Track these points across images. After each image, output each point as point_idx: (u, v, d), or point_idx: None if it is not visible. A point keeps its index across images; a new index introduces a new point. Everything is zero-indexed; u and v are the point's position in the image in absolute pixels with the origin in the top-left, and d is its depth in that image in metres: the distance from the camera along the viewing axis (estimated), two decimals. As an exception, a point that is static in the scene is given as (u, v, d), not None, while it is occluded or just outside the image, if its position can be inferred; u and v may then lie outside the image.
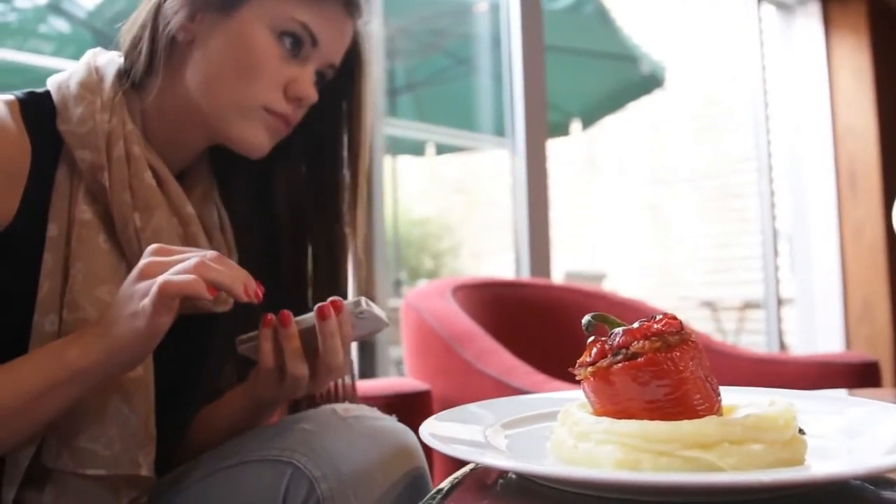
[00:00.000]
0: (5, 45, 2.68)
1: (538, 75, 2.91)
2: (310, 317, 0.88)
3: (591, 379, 0.62)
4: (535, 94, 2.90)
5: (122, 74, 0.92)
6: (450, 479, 0.68)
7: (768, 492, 0.55)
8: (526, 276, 2.80)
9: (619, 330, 0.62)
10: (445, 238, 8.76)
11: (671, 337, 0.60)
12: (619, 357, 0.60)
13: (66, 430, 0.84)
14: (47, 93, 0.90)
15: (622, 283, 6.93)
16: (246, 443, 0.92)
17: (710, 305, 6.12)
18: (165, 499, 0.94)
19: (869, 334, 3.89)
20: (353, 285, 1.06)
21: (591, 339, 0.64)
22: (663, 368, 0.59)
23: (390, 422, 0.92)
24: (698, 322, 5.76)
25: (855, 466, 0.57)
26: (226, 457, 0.92)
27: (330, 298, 0.87)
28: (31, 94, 0.90)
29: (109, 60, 0.93)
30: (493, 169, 6.59)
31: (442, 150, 5.46)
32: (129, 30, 0.93)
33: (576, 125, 5.24)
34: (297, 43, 0.92)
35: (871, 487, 0.59)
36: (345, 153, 1.03)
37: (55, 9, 3.13)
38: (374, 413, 0.92)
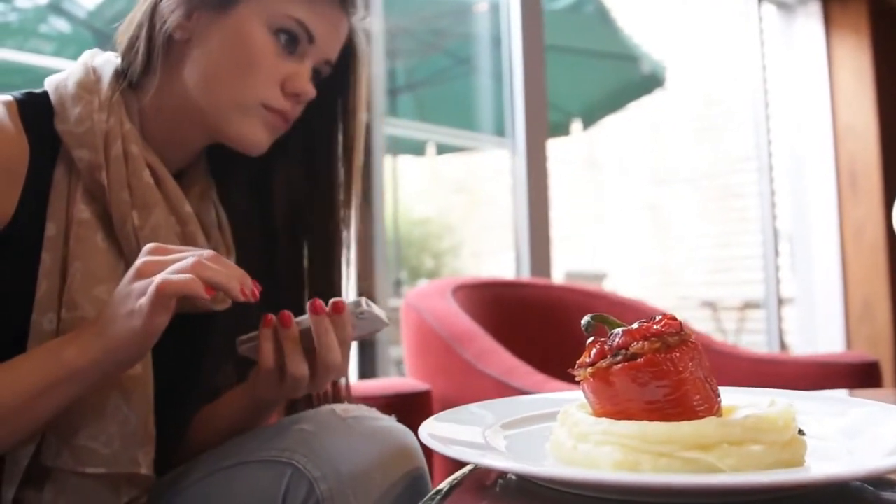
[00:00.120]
0: (6, 45, 2.68)
1: (538, 75, 2.91)
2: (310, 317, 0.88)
3: (591, 380, 0.62)
4: (536, 94, 2.90)
5: (120, 74, 0.92)
6: (449, 479, 0.68)
7: (768, 493, 0.55)
8: (526, 275, 2.80)
9: (618, 331, 0.62)
10: (446, 238, 8.76)
11: (671, 338, 0.60)
12: (619, 358, 0.60)
13: (65, 429, 0.84)
14: (45, 93, 0.90)
15: (623, 283, 6.93)
16: (245, 443, 0.92)
17: (711, 305, 6.11)
18: (165, 499, 0.94)
19: (869, 334, 3.89)
20: (348, 282, 1.06)
21: (591, 339, 0.64)
22: (663, 369, 0.59)
23: (390, 422, 0.92)
24: (699, 322, 5.76)
25: (855, 468, 0.57)
26: (225, 457, 0.92)
27: (332, 300, 0.88)
28: (29, 94, 0.90)
29: (106, 61, 0.93)
30: (494, 169, 6.58)
31: (442, 149, 5.46)
32: (125, 30, 0.93)
33: (576, 125, 5.23)
34: (293, 40, 0.92)
35: (871, 488, 0.59)
36: (340, 150, 1.03)
37: (56, 9, 3.13)
38: (373, 413, 0.92)
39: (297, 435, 0.88)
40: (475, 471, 0.70)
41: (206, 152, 1.01)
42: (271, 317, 0.88)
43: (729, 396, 0.64)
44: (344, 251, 1.05)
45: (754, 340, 5.26)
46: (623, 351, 0.60)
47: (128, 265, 0.86)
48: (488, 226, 7.61)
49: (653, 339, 0.60)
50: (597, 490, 0.57)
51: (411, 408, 1.54)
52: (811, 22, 4.08)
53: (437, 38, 4.43)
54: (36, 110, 0.88)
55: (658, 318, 0.62)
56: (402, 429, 0.91)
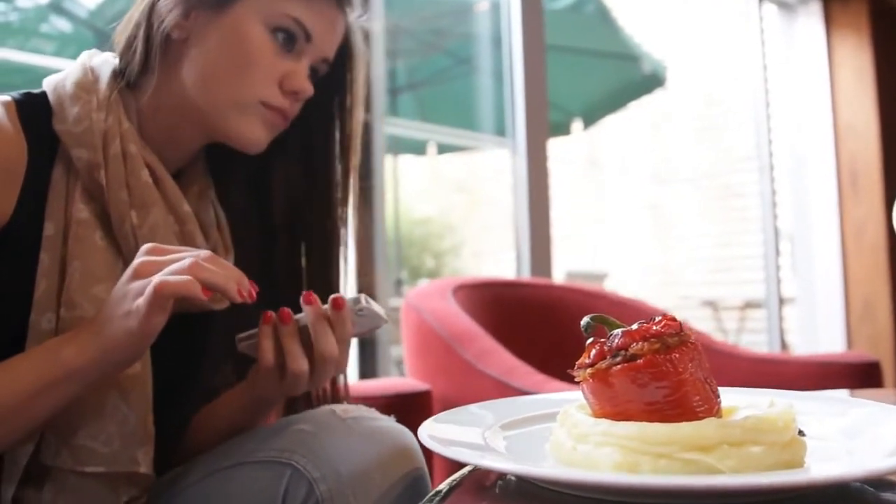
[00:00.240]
0: (7, 44, 2.68)
1: (539, 75, 2.91)
2: None
3: (590, 380, 0.62)
4: (536, 94, 2.90)
5: (118, 74, 0.92)
6: (448, 480, 0.67)
7: (767, 494, 0.55)
8: (527, 275, 2.80)
9: (617, 331, 0.62)
10: (447, 237, 8.77)
11: (670, 338, 0.60)
12: (618, 359, 0.60)
13: (64, 428, 0.84)
14: (43, 93, 0.90)
15: (623, 283, 6.92)
16: (244, 443, 0.92)
17: (712, 305, 6.12)
18: (163, 499, 0.94)
19: (870, 333, 3.88)
20: (346, 280, 1.06)
21: (590, 340, 0.64)
22: (662, 370, 0.59)
23: (389, 422, 0.92)
24: (699, 321, 5.76)
25: (855, 469, 0.56)
26: (224, 457, 0.92)
27: (332, 296, 0.88)
28: (27, 94, 0.90)
29: (104, 61, 0.93)
30: (495, 168, 6.58)
31: (443, 149, 5.46)
32: (123, 30, 0.93)
33: (577, 124, 5.23)
34: (290, 38, 0.92)
35: (871, 489, 0.59)
36: (337, 148, 1.04)
37: (57, 8, 3.13)
38: (372, 414, 0.92)
39: (297, 435, 0.88)
40: (475, 472, 0.69)
41: (205, 152, 1.01)
42: (271, 314, 0.88)
43: (729, 397, 0.64)
44: (341, 249, 1.05)
45: (755, 340, 5.26)
46: (622, 352, 0.60)
47: (126, 264, 0.86)
48: (489, 225, 7.61)
49: (652, 339, 0.60)
50: (596, 491, 0.57)
51: (411, 408, 1.54)
52: (812, 21, 4.08)
53: (437, 37, 4.43)
54: (34, 110, 0.88)
55: (658, 318, 0.62)
56: (402, 429, 0.91)
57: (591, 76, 5.03)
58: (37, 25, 3.10)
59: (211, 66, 0.91)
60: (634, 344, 0.60)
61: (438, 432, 0.67)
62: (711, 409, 0.60)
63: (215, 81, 0.91)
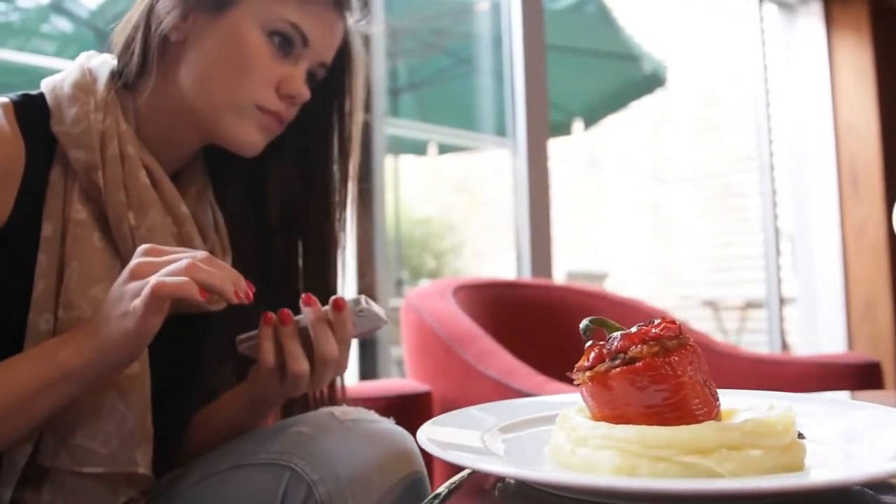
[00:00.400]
0: (8, 44, 2.68)
1: (540, 75, 2.91)
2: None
3: (589, 383, 0.61)
4: (537, 94, 2.90)
5: (116, 75, 0.92)
6: (447, 483, 0.67)
7: (767, 498, 0.55)
8: (527, 275, 2.80)
9: (616, 334, 0.62)
10: (447, 237, 8.76)
11: (669, 341, 0.60)
12: (617, 362, 0.60)
13: (62, 429, 0.84)
14: (41, 95, 0.90)
15: (624, 283, 6.92)
16: (243, 446, 0.92)
17: (712, 305, 6.11)
18: (162, 501, 0.94)
19: (871, 333, 3.88)
20: (343, 284, 1.06)
21: (589, 343, 0.64)
22: (661, 373, 0.58)
23: (388, 425, 0.92)
24: (700, 321, 5.75)
25: (854, 473, 0.56)
26: (223, 459, 0.92)
27: (332, 297, 0.88)
28: (25, 96, 0.90)
29: (102, 62, 0.94)
30: (495, 168, 6.58)
31: (444, 149, 5.46)
32: (121, 31, 0.94)
33: (578, 124, 5.23)
34: (287, 42, 0.92)
35: (871, 492, 0.59)
36: (336, 152, 1.03)
37: (57, 8, 3.13)
38: (371, 416, 0.92)
39: (296, 438, 0.88)
40: (473, 474, 0.69)
41: (203, 153, 1.01)
42: (271, 315, 0.88)
43: (728, 399, 0.64)
44: (339, 253, 1.05)
45: (756, 340, 5.26)
46: (621, 355, 0.60)
47: (124, 265, 0.86)
48: (489, 225, 7.61)
49: (651, 342, 0.59)
50: (595, 495, 0.57)
51: (411, 409, 1.54)
52: (812, 21, 4.07)
53: (438, 37, 4.43)
54: (32, 112, 0.88)
55: (657, 321, 0.62)
56: (401, 432, 0.91)
57: (592, 76, 5.03)
58: (38, 25, 3.10)
59: (208, 69, 0.91)
60: (633, 347, 0.60)
61: (437, 435, 0.67)
62: (710, 412, 0.60)
63: (212, 84, 0.91)
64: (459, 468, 0.68)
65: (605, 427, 0.59)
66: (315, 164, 1.04)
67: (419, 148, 5.28)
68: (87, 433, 0.85)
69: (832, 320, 3.98)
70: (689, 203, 7.02)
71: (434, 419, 0.73)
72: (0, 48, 2.45)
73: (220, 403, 1.02)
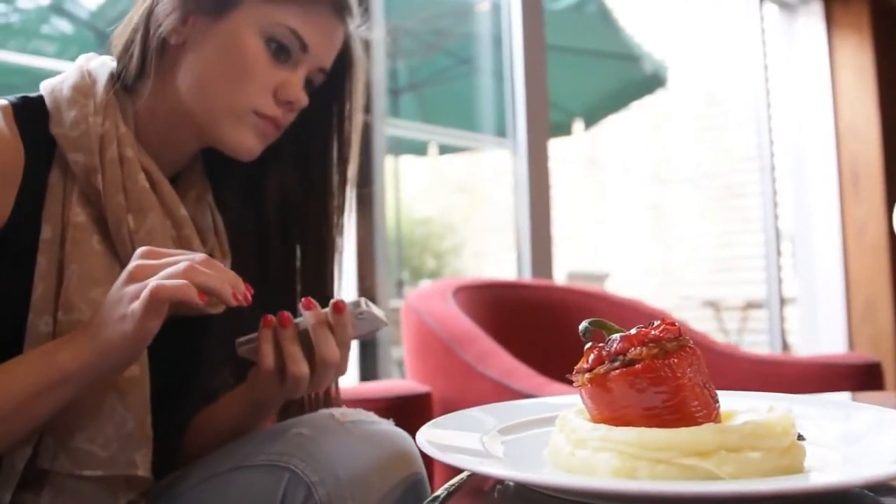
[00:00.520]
0: (8, 46, 2.68)
1: (540, 75, 2.91)
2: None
3: (589, 385, 0.61)
4: (537, 94, 2.89)
5: (115, 77, 0.92)
6: (446, 485, 0.67)
7: (766, 500, 0.55)
8: (528, 276, 2.80)
9: (616, 336, 0.62)
10: (448, 238, 8.76)
11: (669, 343, 0.60)
12: (617, 363, 0.60)
13: (62, 431, 0.84)
14: (40, 97, 0.90)
15: (624, 283, 6.92)
16: (243, 447, 0.92)
17: (713, 305, 6.11)
18: (162, 502, 0.94)
19: (872, 334, 3.88)
20: (340, 288, 1.06)
21: (589, 345, 0.64)
22: (661, 375, 0.58)
23: (388, 426, 0.91)
24: (700, 322, 5.75)
25: (854, 475, 0.56)
26: (223, 461, 0.92)
27: (333, 300, 0.88)
28: (24, 98, 0.90)
29: (102, 64, 0.93)
30: (495, 169, 6.58)
31: (444, 150, 5.46)
32: (121, 33, 0.93)
33: (578, 125, 5.23)
34: (286, 48, 0.92)
35: (871, 494, 0.59)
36: (335, 156, 1.03)
37: (58, 9, 3.14)
38: (371, 417, 0.92)
39: (295, 439, 0.87)
40: (473, 476, 0.69)
41: (202, 155, 1.01)
42: (270, 318, 0.88)
43: (728, 401, 0.64)
44: (337, 257, 1.05)
45: (756, 340, 5.25)
46: (621, 357, 0.60)
47: (123, 268, 0.86)
48: (490, 226, 7.61)
49: (651, 344, 0.59)
50: (594, 497, 0.57)
51: (411, 410, 1.54)
52: (813, 21, 4.07)
53: (438, 38, 4.43)
54: (31, 114, 0.88)
55: (656, 323, 0.62)
56: (401, 433, 0.91)
57: (592, 76, 5.03)
58: (38, 27, 3.10)
59: (206, 73, 0.91)
60: (633, 349, 0.60)
61: (436, 437, 0.67)
62: (710, 414, 0.60)
63: (210, 88, 0.91)
64: (459, 470, 0.68)
65: (604, 429, 0.59)
66: (314, 168, 1.04)
67: (419, 148, 5.28)
68: (87, 436, 0.84)
69: (833, 321, 3.98)
70: (690, 203, 7.02)
71: (433, 421, 0.73)
72: (0, 49, 2.45)
73: (220, 405, 1.02)
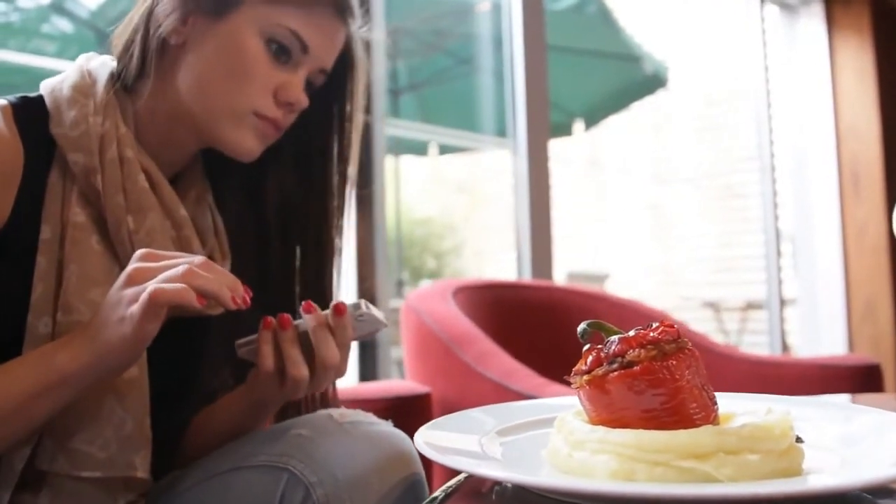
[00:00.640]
0: (8, 45, 2.68)
1: (540, 75, 2.91)
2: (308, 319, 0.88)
3: (587, 387, 0.61)
4: (538, 94, 2.89)
5: (115, 77, 0.92)
6: (444, 487, 0.67)
7: (764, 503, 0.55)
8: (528, 276, 2.80)
9: (614, 338, 0.62)
10: (448, 238, 8.76)
11: (667, 345, 0.60)
12: (615, 365, 0.60)
13: (61, 432, 0.84)
14: (40, 97, 0.90)
15: (625, 284, 6.92)
16: (241, 448, 0.92)
17: (713, 306, 6.11)
18: (161, 503, 0.94)
19: (872, 334, 3.88)
20: (338, 289, 1.06)
21: (587, 346, 0.63)
22: (659, 377, 0.58)
23: (387, 427, 0.91)
24: (700, 322, 5.75)
25: (852, 478, 0.56)
26: (221, 462, 0.92)
27: (333, 302, 0.88)
28: (24, 98, 0.90)
29: (102, 64, 0.93)
30: (496, 169, 6.58)
31: (444, 150, 5.46)
32: (121, 33, 0.93)
33: (578, 125, 5.23)
34: (286, 50, 0.92)
35: (869, 497, 0.59)
36: (335, 157, 1.03)
37: (58, 9, 3.14)
38: (370, 418, 0.92)
39: (294, 440, 0.87)
40: (471, 478, 0.69)
41: (202, 155, 1.01)
42: (270, 319, 0.88)
43: (726, 403, 0.64)
44: (336, 259, 1.05)
45: (756, 341, 5.25)
46: (619, 358, 0.60)
47: (123, 269, 0.86)
48: (490, 226, 7.61)
49: (649, 346, 0.59)
50: (592, 500, 0.57)
51: (411, 410, 1.54)
52: (814, 22, 4.07)
53: (438, 38, 4.43)
54: (31, 114, 0.88)
55: (655, 325, 0.62)
56: (400, 434, 0.91)
57: (593, 77, 5.03)
58: (38, 26, 3.10)
59: (206, 74, 0.91)
60: (631, 350, 0.60)
61: (434, 439, 0.67)
62: (708, 416, 0.60)
63: (210, 89, 0.91)
64: (457, 471, 0.68)
65: (602, 431, 0.59)
66: (314, 168, 1.04)
67: (420, 148, 5.28)
68: (86, 437, 0.84)
69: (833, 321, 3.98)
70: (690, 204, 7.02)
71: (431, 422, 0.73)
72: (1, 48, 2.45)
73: (219, 406, 1.02)
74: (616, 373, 0.59)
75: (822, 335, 4.01)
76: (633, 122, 7.28)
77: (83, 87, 0.89)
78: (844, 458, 0.63)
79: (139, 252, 0.80)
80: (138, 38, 0.91)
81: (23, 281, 0.84)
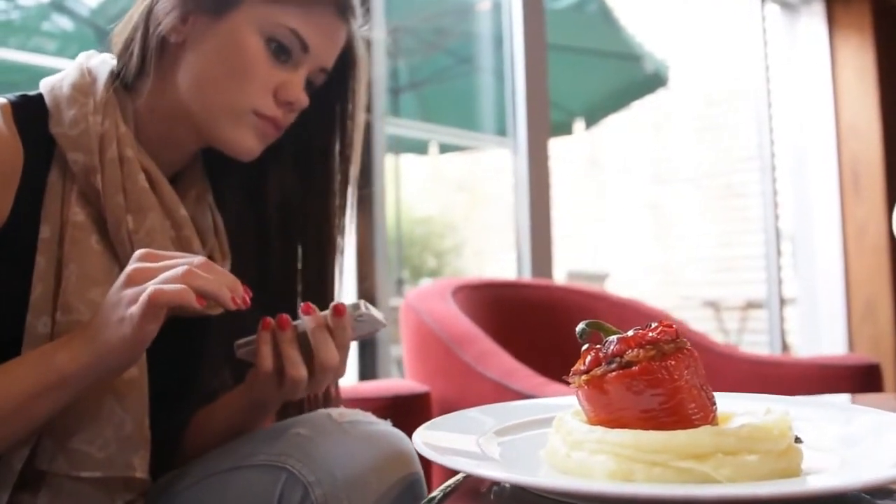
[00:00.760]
0: (8, 43, 2.68)
1: (541, 74, 2.90)
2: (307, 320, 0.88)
3: (585, 387, 0.61)
4: (538, 93, 2.89)
5: (115, 76, 0.92)
6: (442, 487, 0.67)
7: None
8: (528, 275, 2.79)
9: (613, 338, 0.62)
10: (448, 237, 8.76)
11: (666, 345, 0.59)
12: (614, 365, 0.60)
13: (60, 433, 0.84)
14: (40, 95, 0.90)
15: (625, 283, 6.92)
16: (240, 447, 0.92)
17: (713, 305, 6.11)
18: (160, 502, 0.94)
19: (872, 334, 3.88)
20: (341, 289, 1.06)
21: (586, 346, 0.63)
22: (658, 377, 0.58)
23: (385, 426, 0.91)
24: (701, 322, 5.75)
25: (852, 479, 0.56)
26: (220, 461, 0.92)
27: (333, 303, 0.88)
28: (24, 97, 0.90)
29: (102, 62, 0.93)
30: (496, 168, 6.58)
31: (445, 149, 5.46)
32: (121, 31, 0.93)
33: (579, 124, 5.23)
34: (286, 49, 0.92)
35: (868, 498, 0.59)
36: (337, 156, 1.03)
37: (58, 7, 3.13)
38: (368, 418, 0.92)
39: (293, 439, 0.87)
40: (469, 478, 0.69)
41: (202, 154, 1.01)
42: (269, 320, 0.88)
43: (725, 403, 0.63)
44: (338, 257, 1.05)
45: (756, 340, 5.25)
46: (618, 358, 0.60)
47: (122, 268, 0.85)
48: (490, 225, 7.61)
49: (648, 346, 0.59)
50: (590, 500, 0.57)
51: (410, 410, 1.54)
52: (814, 21, 4.07)
53: (439, 37, 4.43)
54: (30, 113, 0.88)
55: (654, 324, 0.61)
56: (398, 433, 0.90)
57: (593, 76, 5.03)
58: (38, 24, 3.10)
59: (206, 73, 0.91)
60: (630, 350, 0.60)
61: (433, 439, 0.67)
62: (707, 416, 0.59)
63: (210, 88, 0.91)
64: (456, 471, 0.68)
65: (600, 431, 0.59)
66: (315, 168, 1.04)
67: (420, 147, 5.28)
68: (85, 437, 0.84)
69: (833, 321, 3.98)
70: (690, 203, 7.02)
71: (429, 422, 0.73)
72: (1, 47, 2.45)
73: (218, 406, 1.02)
74: (614, 373, 0.59)
75: (821, 335, 4.01)
76: (634, 121, 7.28)
77: (83, 86, 0.89)
78: (844, 459, 0.62)
79: (139, 252, 0.80)
80: (138, 36, 0.91)
81: (22, 280, 0.84)
